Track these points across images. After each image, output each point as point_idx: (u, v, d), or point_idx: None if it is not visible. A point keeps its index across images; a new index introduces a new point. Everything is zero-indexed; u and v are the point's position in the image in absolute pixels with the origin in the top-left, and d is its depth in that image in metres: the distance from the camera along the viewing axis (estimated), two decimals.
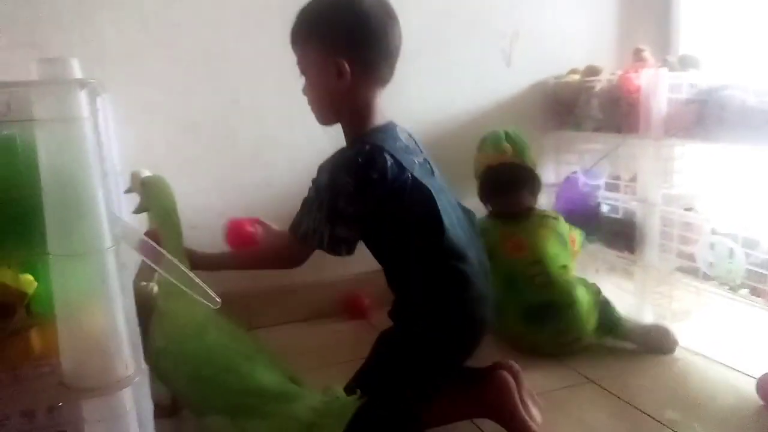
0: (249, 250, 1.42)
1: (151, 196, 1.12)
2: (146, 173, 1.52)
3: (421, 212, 1.21)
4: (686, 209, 1.86)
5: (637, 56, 2.00)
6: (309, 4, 1.22)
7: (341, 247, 1.20)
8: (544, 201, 2.25)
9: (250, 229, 1.77)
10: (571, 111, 2.09)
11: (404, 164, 1.20)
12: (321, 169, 1.26)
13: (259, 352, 1.12)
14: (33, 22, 1.60)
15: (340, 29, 1.19)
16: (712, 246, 1.70)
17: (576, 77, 2.12)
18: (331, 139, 1.92)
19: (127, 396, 0.44)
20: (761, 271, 1.59)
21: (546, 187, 2.23)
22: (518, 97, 2.19)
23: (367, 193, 1.17)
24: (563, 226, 1.80)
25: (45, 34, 1.61)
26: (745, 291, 1.67)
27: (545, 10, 2.18)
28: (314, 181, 1.26)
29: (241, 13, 1.81)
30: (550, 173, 2.25)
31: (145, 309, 1.28)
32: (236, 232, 1.65)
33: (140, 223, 1.54)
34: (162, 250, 0.59)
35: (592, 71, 2.06)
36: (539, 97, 2.20)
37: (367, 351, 1.32)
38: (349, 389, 1.17)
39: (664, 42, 2.27)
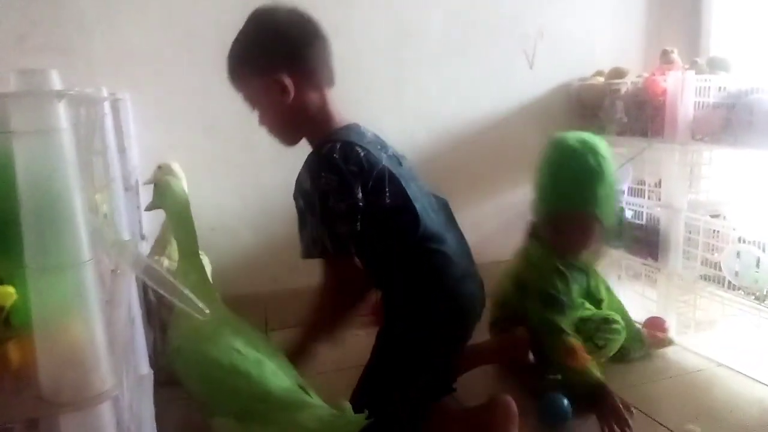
0: (320, 317, 1.31)
1: (164, 196, 1.12)
2: (174, 166, 1.54)
3: (396, 201, 1.21)
4: (712, 216, 1.81)
5: (665, 58, 1.95)
6: (233, 44, 1.24)
7: (347, 246, 1.17)
8: None
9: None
10: (596, 114, 2.05)
11: (375, 154, 1.21)
12: (298, 180, 1.25)
13: (272, 357, 1.11)
14: (56, 26, 1.62)
15: (267, 48, 1.21)
16: (738, 254, 1.65)
17: (601, 79, 2.08)
18: None
19: (105, 410, 0.44)
20: None
21: None
22: (542, 100, 2.16)
23: (353, 185, 1.16)
24: None
25: (68, 37, 1.63)
26: None
27: (570, 11, 2.15)
28: (296, 197, 1.25)
29: None
30: None
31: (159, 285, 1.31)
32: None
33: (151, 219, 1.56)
34: (149, 261, 0.58)
35: (618, 73, 2.02)
36: (563, 99, 2.17)
37: (354, 360, 1.32)
38: (355, 400, 1.17)
39: (693, 43, 2.21)
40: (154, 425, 0.94)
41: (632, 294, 1.90)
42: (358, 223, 1.18)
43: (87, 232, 0.42)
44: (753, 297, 1.65)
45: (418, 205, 1.22)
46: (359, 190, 1.17)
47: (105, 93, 0.84)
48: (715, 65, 1.84)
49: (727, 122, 1.66)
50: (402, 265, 1.24)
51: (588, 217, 1.56)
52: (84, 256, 0.41)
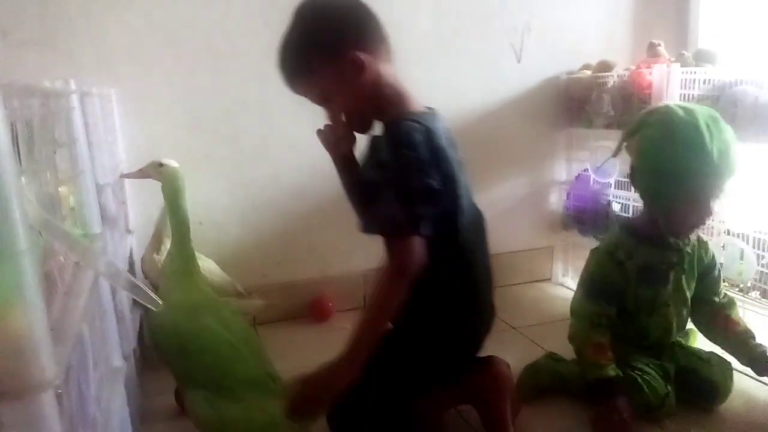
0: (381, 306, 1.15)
1: (167, 180, 1.24)
2: (166, 161, 1.54)
3: (448, 207, 1.17)
4: None
5: (652, 51, 1.95)
6: (284, 43, 1.17)
7: (420, 225, 1.08)
8: (555, 199, 2.23)
9: (330, 304, 1.98)
10: (583, 107, 2.05)
11: (449, 155, 1.16)
12: (371, 151, 1.17)
13: (246, 342, 1.16)
14: (41, 20, 1.62)
15: (335, 29, 1.14)
16: (723, 247, 1.65)
17: (588, 73, 2.08)
18: None
19: (46, 400, 0.44)
20: None
21: (557, 184, 2.21)
22: (530, 93, 2.15)
23: (433, 163, 1.10)
24: None
25: (52, 32, 1.64)
26: (756, 293, 1.63)
27: (558, 4, 2.14)
28: (364, 168, 1.18)
29: (248, 9, 1.82)
30: (561, 171, 2.21)
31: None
32: (320, 308, 1.97)
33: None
34: (102, 255, 0.59)
35: (605, 67, 2.02)
36: (551, 93, 2.16)
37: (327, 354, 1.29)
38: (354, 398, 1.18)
39: (681, 36, 2.21)
40: (127, 417, 0.94)
41: None
42: (432, 206, 1.10)
43: (24, 222, 0.42)
44: (737, 289, 1.66)
45: (462, 220, 1.19)
46: (441, 167, 1.12)
47: (73, 86, 0.84)
48: (701, 58, 1.84)
49: None
50: (434, 269, 1.16)
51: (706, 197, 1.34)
52: (20, 245, 0.42)
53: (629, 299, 1.44)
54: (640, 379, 1.35)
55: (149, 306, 0.60)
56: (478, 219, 1.28)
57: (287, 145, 1.92)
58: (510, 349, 1.42)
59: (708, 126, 1.29)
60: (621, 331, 1.45)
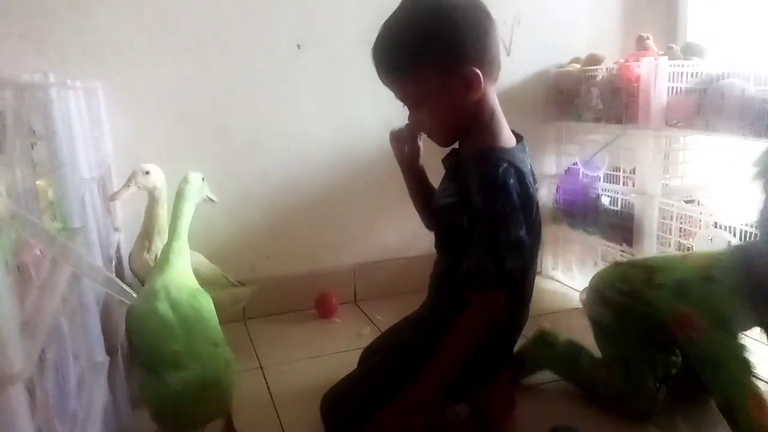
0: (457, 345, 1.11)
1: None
2: (150, 167, 1.54)
3: (532, 254, 1.15)
4: (687, 201, 1.82)
5: (641, 44, 1.95)
6: (390, 32, 1.08)
7: (510, 280, 1.06)
8: (545, 192, 2.23)
9: (333, 300, 1.96)
10: (572, 101, 2.05)
11: (533, 192, 1.11)
12: (450, 191, 1.15)
13: (184, 323, 1.19)
14: (26, 13, 1.61)
15: (454, 38, 1.03)
16: (710, 239, 1.65)
17: (578, 66, 2.08)
18: (325, 126, 1.93)
19: (14, 393, 0.44)
20: None
21: (547, 178, 2.21)
22: (520, 87, 2.15)
23: (523, 210, 1.06)
24: None
25: (38, 25, 1.62)
26: None
27: None
28: (448, 200, 1.14)
29: (237, 3, 1.80)
30: (551, 164, 2.21)
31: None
32: (324, 305, 1.95)
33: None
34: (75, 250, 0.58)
35: (594, 60, 2.01)
36: (541, 86, 2.16)
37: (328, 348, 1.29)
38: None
39: (670, 30, 2.21)
40: (111, 411, 0.94)
41: None
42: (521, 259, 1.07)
43: None
44: None
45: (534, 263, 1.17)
46: (529, 213, 1.08)
47: (53, 79, 0.84)
48: (689, 51, 1.84)
49: (699, 107, 1.66)
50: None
51: None
52: None
53: None
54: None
55: (125, 300, 0.60)
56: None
57: (276, 138, 1.92)
58: None
59: None
60: None
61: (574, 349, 1.46)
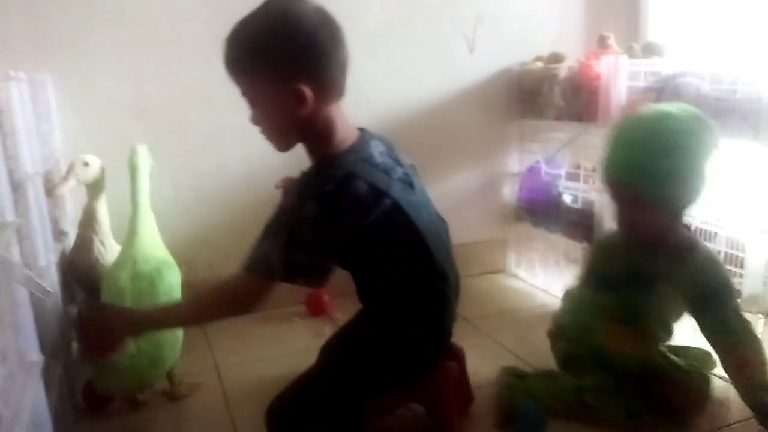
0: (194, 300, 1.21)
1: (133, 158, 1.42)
2: (90, 158, 1.49)
3: (405, 237, 1.14)
4: None
5: (602, 43, 1.96)
6: (241, 29, 1.09)
7: (297, 275, 1.08)
8: (508, 190, 2.23)
9: (326, 298, 1.93)
10: (535, 99, 2.05)
11: (381, 187, 1.10)
12: (286, 193, 1.19)
13: (136, 294, 1.30)
14: None
15: (292, 53, 1.05)
16: None
17: (540, 64, 2.08)
18: None
19: None
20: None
21: (510, 176, 2.21)
22: (482, 85, 2.15)
23: (334, 224, 1.07)
24: None
25: None
26: None
27: None
28: (279, 205, 1.16)
29: None
30: (513, 162, 2.22)
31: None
32: (316, 303, 1.93)
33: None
34: None
35: (556, 58, 2.02)
36: (503, 84, 2.16)
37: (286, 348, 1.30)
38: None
39: (632, 29, 2.22)
40: (45, 412, 0.91)
41: (569, 278, 1.90)
42: (318, 257, 1.09)
43: None
44: None
45: (429, 240, 1.16)
46: (344, 228, 1.08)
47: None
48: (649, 50, 1.85)
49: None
50: (400, 295, 1.18)
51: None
52: None
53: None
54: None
55: (41, 296, 0.57)
56: (440, 227, 1.26)
57: (235, 135, 1.88)
58: (462, 341, 1.40)
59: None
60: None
61: (550, 374, 1.45)
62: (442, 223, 1.27)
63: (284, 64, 1.05)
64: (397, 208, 1.12)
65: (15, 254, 0.84)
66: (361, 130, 1.20)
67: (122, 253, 1.38)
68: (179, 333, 1.37)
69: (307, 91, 1.06)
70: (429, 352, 1.25)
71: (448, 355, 1.34)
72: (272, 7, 1.07)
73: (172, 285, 1.36)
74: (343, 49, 1.10)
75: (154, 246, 1.41)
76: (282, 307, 1.95)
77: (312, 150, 1.16)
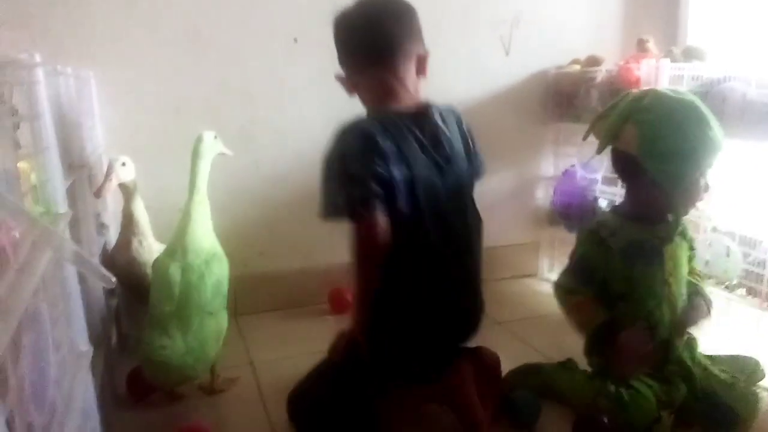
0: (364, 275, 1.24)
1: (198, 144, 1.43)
2: (126, 159, 1.50)
3: (408, 212, 1.16)
4: None
5: (641, 47, 1.94)
6: (396, 24, 1.34)
7: (363, 207, 1.12)
8: (542, 194, 2.21)
9: (349, 297, 1.90)
10: (571, 102, 2.03)
11: (391, 156, 1.16)
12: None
13: (188, 287, 1.33)
14: (21, 2, 1.58)
15: (417, 27, 1.38)
16: (709, 244, 1.64)
17: (577, 68, 2.06)
18: (321, 121, 1.90)
19: None
20: (758, 271, 1.53)
21: (544, 179, 2.19)
22: (517, 88, 2.13)
23: (364, 156, 1.15)
24: None
25: (32, 14, 1.59)
26: (741, 291, 1.62)
27: None
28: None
29: None
30: (548, 166, 2.20)
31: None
32: (338, 300, 1.93)
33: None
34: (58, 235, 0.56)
35: (594, 61, 2.00)
36: (539, 87, 2.14)
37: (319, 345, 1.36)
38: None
39: (671, 33, 2.19)
40: (94, 403, 0.91)
41: None
42: (375, 186, 1.13)
43: None
44: (723, 286, 1.64)
45: (435, 228, 1.19)
46: (369, 163, 1.15)
47: (38, 59, 0.81)
48: (690, 54, 1.82)
49: None
50: (392, 275, 1.20)
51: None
52: None
53: (619, 281, 1.36)
54: (627, 397, 1.27)
55: (104, 285, 0.57)
56: (471, 224, 1.30)
57: (269, 132, 1.89)
58: (494, 345, 1.40)
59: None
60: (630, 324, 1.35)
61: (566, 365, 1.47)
62: (475, 218, 1.32)
63: (419, 37, 1.39)
64: (407, 182, 1.17)
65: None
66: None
67: (174, 240, 1.37)
68: (222, 328, 1.38)
69: (424, 56, 1.37)
70: (435, 330, 1.25)
71: (480, 360, 1.34)
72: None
73: (219, 279, 1.37)
74: (372, 30, 1.33)
75: (205, 236, 1.40)
76: (314, 305, 1.96)
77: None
